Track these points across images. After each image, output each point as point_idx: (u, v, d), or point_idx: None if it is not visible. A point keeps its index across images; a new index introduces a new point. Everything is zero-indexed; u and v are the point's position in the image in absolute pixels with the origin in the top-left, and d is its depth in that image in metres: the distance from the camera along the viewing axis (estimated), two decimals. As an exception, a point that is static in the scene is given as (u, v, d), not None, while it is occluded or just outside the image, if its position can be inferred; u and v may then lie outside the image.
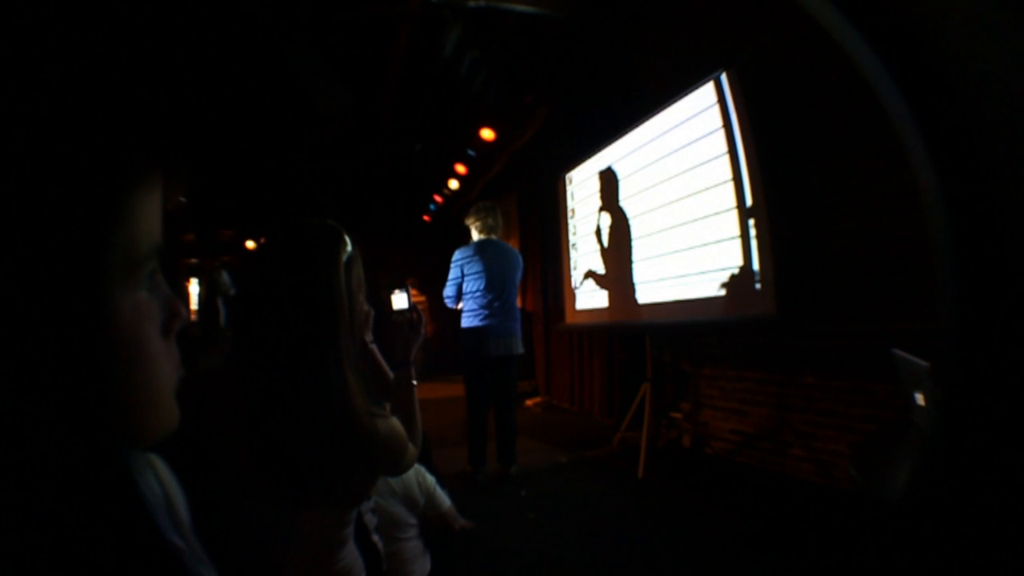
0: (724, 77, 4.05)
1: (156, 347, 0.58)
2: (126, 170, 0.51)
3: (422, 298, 11.28)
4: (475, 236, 5.16)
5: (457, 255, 5.09)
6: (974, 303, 0.99)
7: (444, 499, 2.78)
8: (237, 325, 1.51)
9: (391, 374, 1.98)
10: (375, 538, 1.82)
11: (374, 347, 2.02)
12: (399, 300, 2.09)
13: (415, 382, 1.89)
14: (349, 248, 1.48)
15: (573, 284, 6.59)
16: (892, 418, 3.61)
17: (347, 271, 1.46)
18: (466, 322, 5.07)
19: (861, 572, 2.68)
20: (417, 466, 2.60)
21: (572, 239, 6.67)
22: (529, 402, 8.66)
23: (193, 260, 11.37)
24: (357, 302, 1.52)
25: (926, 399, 2.16)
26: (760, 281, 3.84)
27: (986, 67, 0.94)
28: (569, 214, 6.75)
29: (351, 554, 1.52)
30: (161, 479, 0.74)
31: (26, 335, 0.45)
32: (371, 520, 1.85)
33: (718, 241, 4.16)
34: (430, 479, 2.70)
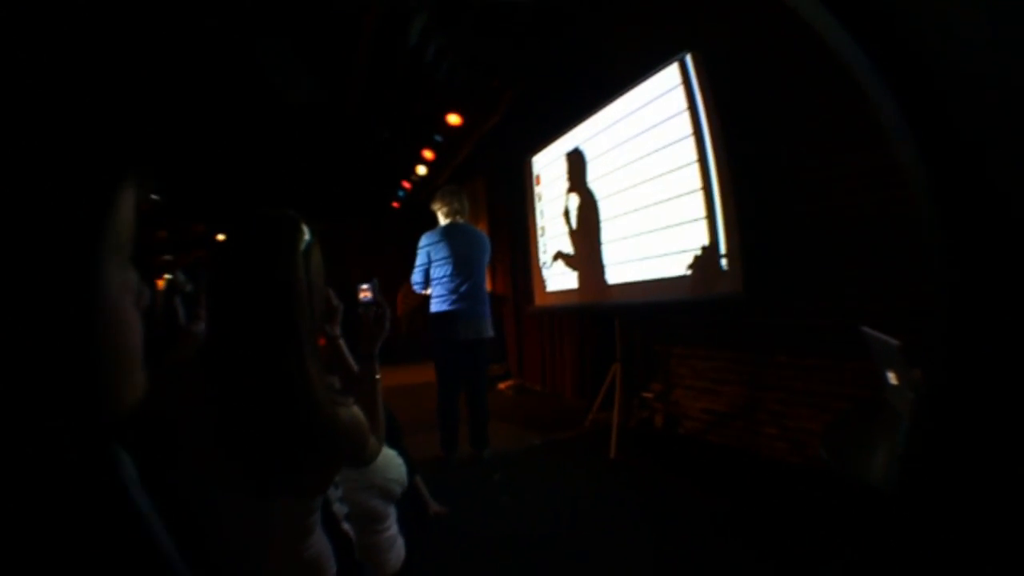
0: (689, 59, 4.07)
1: (134, 318, 0.68)
2: (115, 173, 0.63)
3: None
4: (441, 220, 5.14)
5: (423, 240, 5.08)
6: (965, 288, 1.01)
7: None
8: (207, 318, 1.52)
9: (356, 368, 1.99)
10: (345, 527, 1.83)
11: (341, 342, 2.02)
12: (365, 293, 2.09)
13: (379, 376, 1.90)
14: (307, 237, 1.48)
15: (542, 264, 6.61)
16: (864, 398, 3.64)
17: (305, 260, 1.46)
18: (435, 307, 5.06)
19: (835, 552, 2.73)
20: (391, 452, 2.60)
21: (540, 221, 6.68)
22: (501, 385, 8.68)
23: (167, 257, 11.26)
24: (317, 290, 1.51)
25: (898, 377, 2.19)
26: (727, 260, 3.88)
27: (969, 49, 0.96)
28: (536, 197, 6.76)
29: (320, 541, 1.53)
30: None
31: (30, 311, 0.53)
32: (340, 509, 1.86)
33: (685, 221, 4.19)
34: (403, 468, 2.70)
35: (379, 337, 1.97)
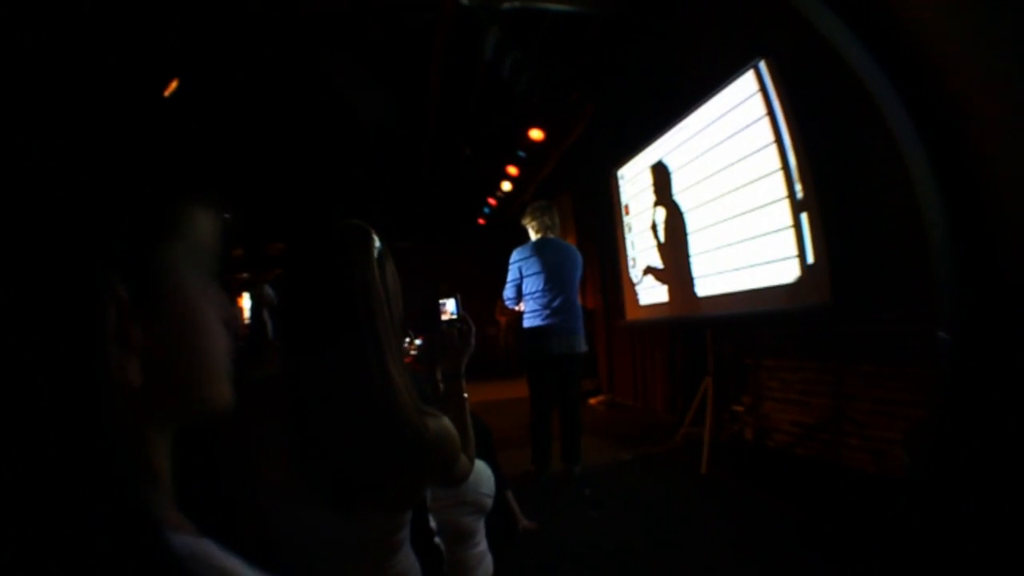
0: (763, 65, 4.01)
1: (215, 326, 0.67)
2: (187, 192, 0.66)
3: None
4: (532, 236, 5.17)
5: (515, 255, 5.11)
6: (972, 292, 0.99)
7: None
8: (279, 333, 1.49)
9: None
10: (437, 540, 1.82)
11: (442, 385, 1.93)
12: (448, 309, 2.04)
13: (466, 395, 1.84)
14: (378, 245, 1.45)
15: (633, 279, 6.56)
16: (941, 403, 3.52)
17: (380, 267, 1.42)
18: (528, 322, 5.07)
19: (910, 561, 2.63)
20: (480, 463, 2.57)
21: (628, 235, 6.64)
22: (593, 400, 8.65)
23: (244, 275, 11.55)
24: (394, 298, 1.46)
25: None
26: (814, 268, 3.79)
27: (984, 68, 0.94)
28: (623, 210, 6.72)
29: (407, 558, 1.48)
30: None
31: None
32: (433, 522, 1.84)
33: (772, 231, 4.12)
34: (493, 479, 2.68)
35: (465, 354, 1.90)
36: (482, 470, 2.56)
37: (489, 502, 2.57)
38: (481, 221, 13.22)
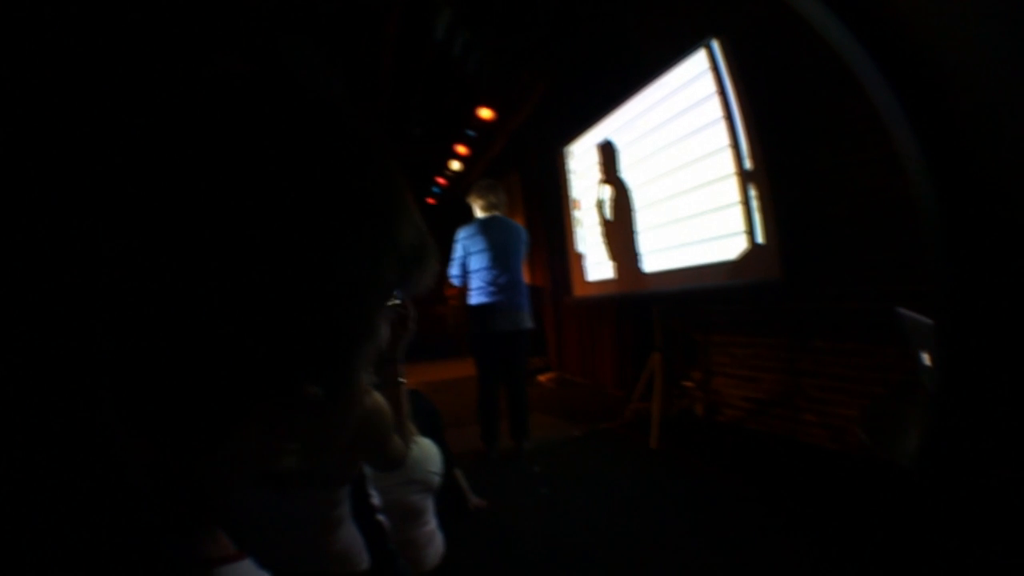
0: (715, 44, 4.03)
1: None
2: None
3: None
4: (478, 214, 5.14)
5: (460, 233, 5.09)
6: (964, 272, 0.99)
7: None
8: None
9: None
10: (380, 517, 1.81)
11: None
12: None
13: (402, 379, 1.80)
14: None
15: (579, 248, 6.60)
16: (900, 380, 3.58)
17: None
18: (473, 299, 5.05)
19: (874, 538, 2.69)
20: (427, 442, 2.56)
21: (575, 212, 6.65)
22: (542, 377, 8.68)
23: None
24: None
25: (932, 358, 2.12)
26: (764, 245, 3.83)
27: (969, 44, 0.94)
28: (571, 188, 6.74)
29: (349, 534, 1.48)
30: None
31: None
32: (375, 498, 1.83)
33: (721, 207, 4.16)
34: (440, 457, 2.66)
35: (403, 339, 1.82)
36: (429, 447, 2.55)
37: (437, 480, 2.55)
38: (431, 201, 13.16)
